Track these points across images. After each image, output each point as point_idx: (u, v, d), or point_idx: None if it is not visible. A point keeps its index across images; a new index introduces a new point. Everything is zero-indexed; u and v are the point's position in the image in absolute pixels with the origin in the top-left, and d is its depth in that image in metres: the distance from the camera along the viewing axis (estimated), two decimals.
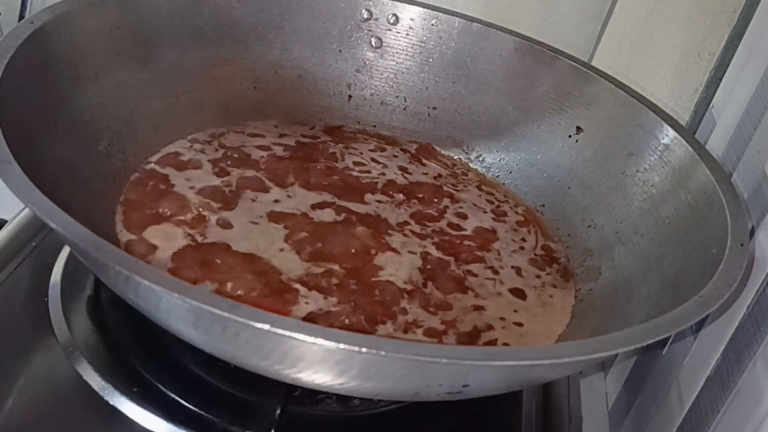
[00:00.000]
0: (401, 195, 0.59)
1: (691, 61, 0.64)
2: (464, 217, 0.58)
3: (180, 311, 0.34)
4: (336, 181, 0.59)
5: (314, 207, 0.55)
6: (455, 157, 0.66)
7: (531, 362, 0.33)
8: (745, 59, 0.58)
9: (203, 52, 0.61)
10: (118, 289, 0.38)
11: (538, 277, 0.54)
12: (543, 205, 0.61)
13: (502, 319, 0.49)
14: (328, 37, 0.66)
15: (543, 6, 0.68)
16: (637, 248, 0.51)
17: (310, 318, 0.45)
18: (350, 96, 0.67)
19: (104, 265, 0.32)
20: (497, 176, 0.64)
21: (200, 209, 0.52)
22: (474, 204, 0.60)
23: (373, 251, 0.52)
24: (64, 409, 0.43)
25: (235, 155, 0.59)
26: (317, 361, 0.34)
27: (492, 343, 0.47)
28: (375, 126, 0.67)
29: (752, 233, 0.46)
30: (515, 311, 0.50)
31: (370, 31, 0.66)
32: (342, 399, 0.46)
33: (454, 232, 0.56)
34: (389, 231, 0.54)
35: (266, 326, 0.30)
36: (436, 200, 0.59)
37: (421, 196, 0.60)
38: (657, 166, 0.54)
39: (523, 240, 0.57)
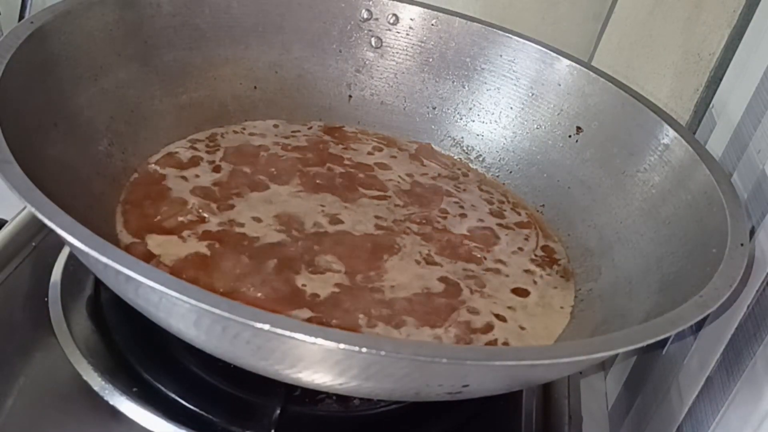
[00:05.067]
0: (401, 196, 0.59)
1: (691, 61, 0.63)
2: (464, 217, 0.58)
3: (180, 311, 0.34)
4: (336, 182, 0.59)
5: (314, 208, 0.55)
6: (455, 157, 0.66)
7: (531, 362, 0.33)
8: (745, 59, 0.58)
9: (203, 52, 0.61)
10: (118, 289, 0.38)
11: (538, 277, 0.54)
12: (543, 205, 0.61)
13: (502, 319, 0.49)
14: (328, 37, 0.66)
15: (543, 6, 0.68)
16: (637, 248, 0.51)
17: (311, 318, 0.45)
18: (350, 96, 0.67)
19: (104, 265, 0.32)
20: (497, 176, 0.64)
21: (200, 210, 0.52)
22: (474, 204, 0.60)
23: (373, 252, 0.52)
24: (64, 409, 0.43)
25: (235, 156, 0.59)
26: (317, 361, 0.34)
27: (492, 343, 0.47)
28: (375, 126, 0.67)
29: (752, 233, 0.46)
30: (515, 311, 0.50)
31: (370, 31, 0.66)
32: (342, 399, 0.46)
33: (454, 233, 0.56)
34: (390, 232, 0.54)
35: (266, 326, 0.30)
36: (436, 201, 0.59)
37: (421, 196, 0.60)
38: (657, 166, 0.54)
39: (523, 240, 0.57)
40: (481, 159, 0.65)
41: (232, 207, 0.53)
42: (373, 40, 0.66)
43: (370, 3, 0.65)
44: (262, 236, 0.51)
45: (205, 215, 0.51)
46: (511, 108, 0.64)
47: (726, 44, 0.61)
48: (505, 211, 0.60)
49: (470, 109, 0.66)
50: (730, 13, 0.61)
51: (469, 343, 0.46)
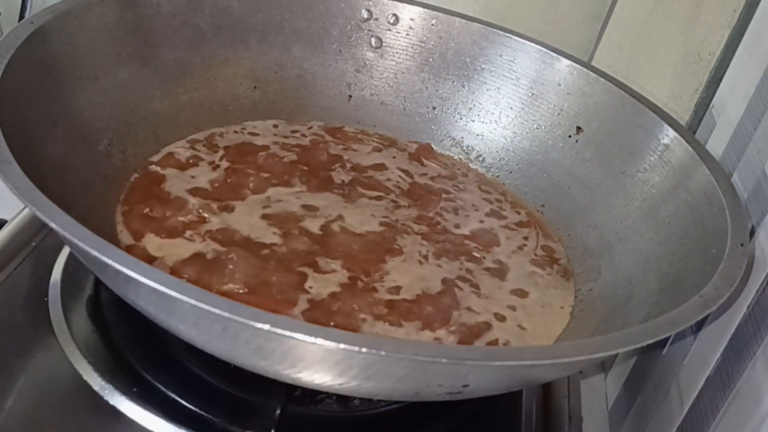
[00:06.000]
0: (401, 196, 0.59)
1: (691, 61, 0.64)
2: (464, 217, 0.58)
3: (180, 311, 0.34)
4: (336, 182, 0.59)
5: (315, 208, 0.55)
6: (455, 157, 0.66)
7: (531, 362, 0.33)
8: (745, 59, 0.58)
9: (203, 52, 0.61)
10: (118, 289, 0.38)
11: (539, 277, 0.54)
12: (543, 205, 0.61)
13: (502, 319, 0.49)
14: (328, 37, 0.66)
15: (543, 6, 0.68)
16: (637, 248, 0.51)
17: (310, 318, 0.45)
18: (350, 96, 0.67)
19: (104, 265, 0.32)
20: (497, 176, 0.64)
21: (200, 210, 0.52)
22: (474, 204, 0.60)
23: (374, 252, 0.52)
24: (64, 409, 0.43)
25: (235, 156, 0.59)
26: (317, 361, 0.34)
27: (492, 343, 0.47)
28: (375, 126, 0.67)
29: (752, 233, 0.46)
30: (515, 311, 0.50)
31: (370, 31, 0.66)
32: (342, 399, 0.46)
33: (454, 233, 0.56)
34: (390, 232, 0.54)
35: (266, 326, 0.30)
36: (435, 201, 0.59)
37: (420, 196, 0.60)
38: (657, 166, 0.54)
39: (523, 240, 0.57)
40: (481, 159, 0.65)
41: (232, 207, 0.53)
42: (373, 40, 0.66)
43: (370, 3, 0.65)
44: (262, 236, 0.51)
45: (206, 215, 0.51)
46: (511, 108, 0.64)
47: (726, 44, 0.62)
48: (504, 210, 0.60)
49: (470, 109, 0.66)
50: (730, 13, 0.61)
51: (469, 344, 0.46)
